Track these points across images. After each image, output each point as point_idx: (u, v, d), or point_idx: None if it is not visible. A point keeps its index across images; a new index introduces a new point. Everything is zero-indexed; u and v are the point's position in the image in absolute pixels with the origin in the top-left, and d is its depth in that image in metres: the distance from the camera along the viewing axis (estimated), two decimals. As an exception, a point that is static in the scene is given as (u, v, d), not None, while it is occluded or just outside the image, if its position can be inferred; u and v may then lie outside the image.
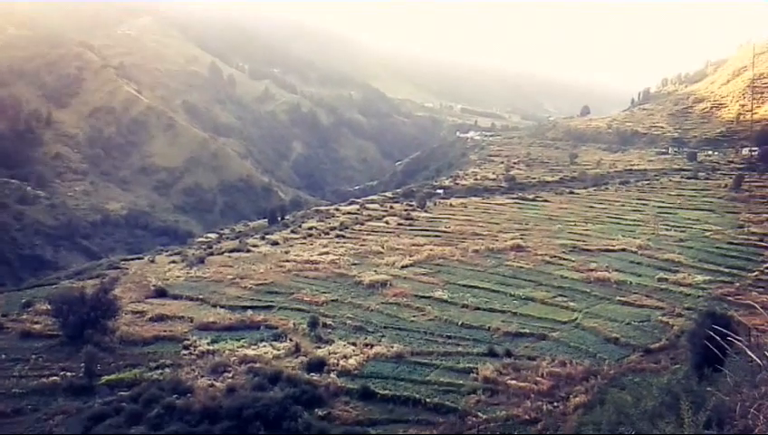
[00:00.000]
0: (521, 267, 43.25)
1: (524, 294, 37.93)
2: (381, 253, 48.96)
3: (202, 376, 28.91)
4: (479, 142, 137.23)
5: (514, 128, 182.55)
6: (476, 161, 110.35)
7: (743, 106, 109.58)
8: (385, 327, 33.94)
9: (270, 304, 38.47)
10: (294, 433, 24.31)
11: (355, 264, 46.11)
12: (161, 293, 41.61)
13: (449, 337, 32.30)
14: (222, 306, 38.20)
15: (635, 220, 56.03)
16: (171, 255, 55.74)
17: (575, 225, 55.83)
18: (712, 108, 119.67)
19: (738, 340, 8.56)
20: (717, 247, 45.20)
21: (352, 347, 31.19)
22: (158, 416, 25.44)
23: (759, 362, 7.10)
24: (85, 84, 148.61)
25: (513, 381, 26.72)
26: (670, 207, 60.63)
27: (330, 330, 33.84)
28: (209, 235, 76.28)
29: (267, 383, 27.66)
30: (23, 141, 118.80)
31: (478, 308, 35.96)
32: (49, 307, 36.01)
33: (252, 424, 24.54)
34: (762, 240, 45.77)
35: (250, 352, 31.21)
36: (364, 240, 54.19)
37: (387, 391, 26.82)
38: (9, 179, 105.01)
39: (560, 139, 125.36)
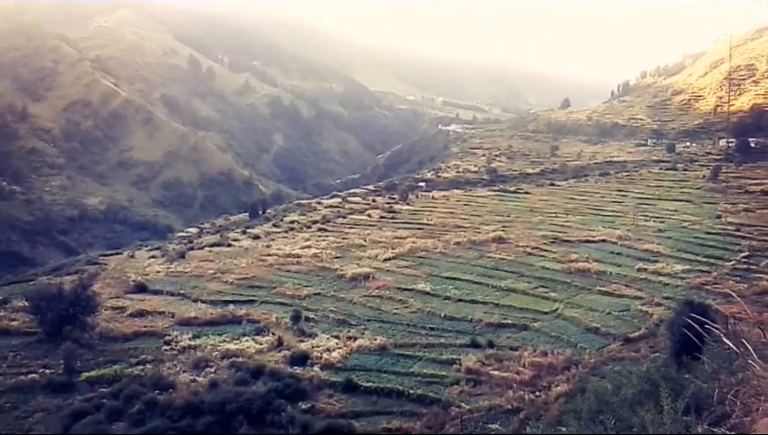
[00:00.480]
0: (502, 259, 43.50)
1: (506, 285, 38.15)
2: (364, 246, 48.94)
3: (184, 371, 28.66)
4: (461, 135, 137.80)
5: (496, 120, 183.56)
6: (458, 154, 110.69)
7: (720, 98, 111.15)
8: (368, 320, 33.94)
9: (252, 298, 38.25)
10: (278, 427, 24.23)
11: (337, 257, 46.03)
12: (141, 288, 41.17)
13: (432, 329, 32.39)
14: (203, 301, 37.88)
15: (615, 211, 56.62)
16: (151, 250, 55.20)
17: (556, 216, 56.27)
18: (690, 100, 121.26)
19: (716, 328, 8.67)
20: (695, 237, 45.83)
21: (335, 340, 31.16)
22: (139, 412, 25.18)
23: (736, 349, 7.18)
24: (61, 78, 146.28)
25: (496, 372, 26.88)
26: (649, 199, 61.34)
27: (312, 323, 33.75)
28: (189, 229, 75.67)
29: (250, 378, 27.52)
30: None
31: (461, 300, 36.10)
32: (26, 304, 35.38)
33: (235, 419, 24.40)
34: (738, 230, 46.46)
35: (232, 346, 31.01)
36: (346, 233, 54.13)
37: (370, 384, 26.83)
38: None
39: (541, 131, 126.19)
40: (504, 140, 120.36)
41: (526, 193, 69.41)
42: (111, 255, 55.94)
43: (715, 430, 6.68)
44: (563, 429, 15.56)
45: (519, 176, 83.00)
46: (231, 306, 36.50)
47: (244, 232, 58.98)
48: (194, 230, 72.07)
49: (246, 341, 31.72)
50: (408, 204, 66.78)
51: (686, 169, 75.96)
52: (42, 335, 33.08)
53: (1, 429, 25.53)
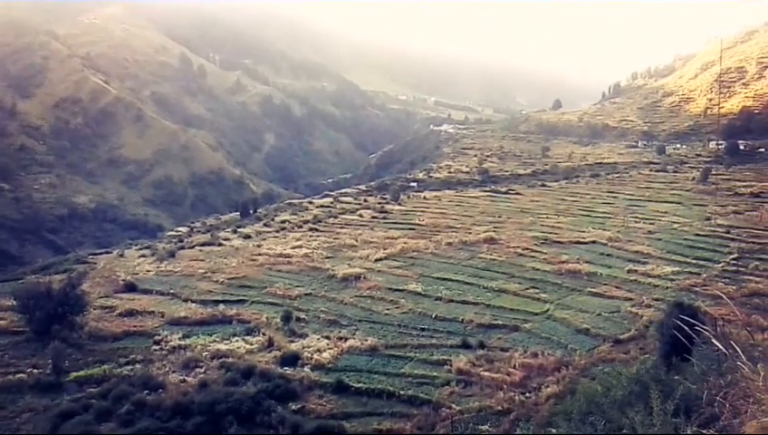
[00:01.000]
0: (494, 260, 43.59)
1: (497, 286, 38.22)
2: (355, 246, 48.90)
3: (173, 372, 28.54)
4: (453, 135, 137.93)
5: (487, 121, 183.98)
6: (450, 154, 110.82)
7: (710, 100, 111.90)
8: (359, 320, 33.91)
9: (242, 298, 38.13)
10: (268, 427, 24.17)
11: (329, 257, 45.97)
12: (131, 287, 40.94)
13: (423, 329, 32.41)
14: (193, 301, 37.72)
15: (605, 213, 56.89)
16: (141, 249, 54.88)
17: (547, 217, 56.45)
18: (680, 102, 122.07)
19: (705, 330, 8.72)
20: (685, 239, 46.11)
21: (326, 341, 31.11)
22: (128, 412, 25.04)
23: (725, 351, 7.23)
24: (51, 74, 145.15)
25: (487, 373, 26.93)
26: (639, 200, 61.66)
27: (303, 324, 33.68)
28: (180, 228, 75.18)
29: (240, 378, 27.44)
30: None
31: (452, 300, 36.15)
32: (14, 303, 35.02)
33: (224, 419, 24.32)
34: (728, 232, 46.77)
35: (222, 346, 30.90)
36: (338, 233, 54.06)
37: (361, 385, 26.81)
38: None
39: (532, 132, 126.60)
40: (495, 140, 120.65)
41: (517, 194, 69.62)
42: (101, 253, 55.59)
43: (704, 431, 6.72)
44: (553, 430, 15.60)
45: (510, 176, 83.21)
46: (221, 306, 36.36)
47: (234, 231, 58.76)
48: (184, 229, 71.63)
49: (237, 341, 31.62)
50: (399, 204, 66.80)
51: (675, 171, 76.42)
52: (30, 335, 32.83)
53: (-12, 429, 25.33)
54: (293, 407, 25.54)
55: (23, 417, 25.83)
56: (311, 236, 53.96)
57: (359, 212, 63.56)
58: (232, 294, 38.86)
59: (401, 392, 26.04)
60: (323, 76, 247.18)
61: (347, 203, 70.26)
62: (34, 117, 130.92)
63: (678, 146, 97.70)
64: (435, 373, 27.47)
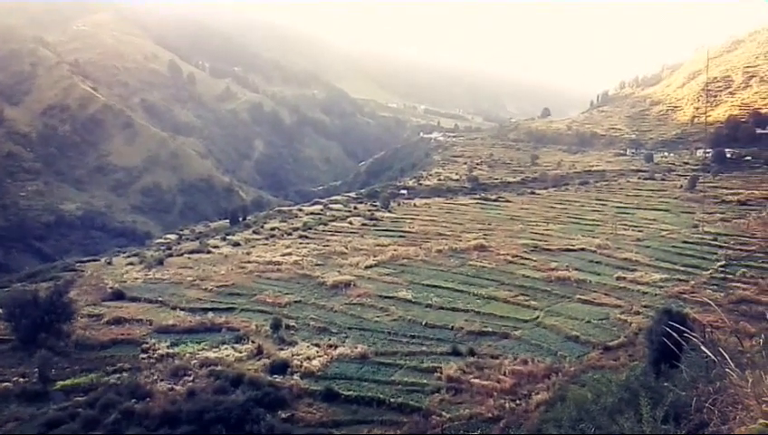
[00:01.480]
0: (484, 267, 43.65)
1: (487, 293, 38.28)
2: (345, 253, 48.81)
3: (161, 380, 28.30)
4: (442, 143, 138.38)
5: (477, 129, 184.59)
6: (440, 162, 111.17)
7: (697, 109, 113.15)
8: (349, 328, 33.81)
9: (231, 305, 37.93)
10: (257, 436, 23.99)
11: (318, 264, 45.84)
12: (119, 295, 40.63)
13: (413, 337, 32.37)
14: (182, 309, 37.49)
15: (594, 220, 57.18)
16: (129, 256, 54.54)
17: (536, 225, 56.66)
18: (668, 110, 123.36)
19: (694, 336, 8.75)
20: (673, 246, 46.41)
21: (316, 348, 30.98)
22: (115, 421, 24.77)
23: (713, 357, 7.25)
24: (39, 81, 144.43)
25: (477, 380, 26.92)
26: (628, 208, 62.06)
27: (293, 331, 33.54)
28: (168, 236, 74.83)
29: (229, 386, 27.25)
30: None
31: (442, 308, 36.15)
32: (0, 311, 34.73)
33: (213, 428, 24.10)
34: (715, 239, 47.15)
35: (211, 354, 30.68)
36: (328, 241, 53.96)
37: (351, 392, 26.70)
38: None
39: (521, 140, 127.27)
40: (485, 148, 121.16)
41: (507, 201, 69.86)
42: (88, 261, 55.15)
43: (694, 437, 6.74)
44: (544, 437, 15.60)
45: (500, 184, 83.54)
46: (210, 314, 36.15)
47: (223, 239, 58.52)
48: (173, 237, 71.29)
49: (225, 349, 31.43)
50: (389, 211, 66.79)
51: (663, 179, 77.03)
52: (16, 343, 32.55)
53: (-28, 439, 24.98)
54: (283, 415, 25.39)
55: (8, 426, 25.49)
56: (300, 243, 53.81)
57: (349, 219, 63.51)
58: (221, 302, 38.64)
59: (391, 400, 25.95)
60: (313, 84, 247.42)
61: (337, 210, 70.20)
62: (22, 124, 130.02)
63: (666, 154, 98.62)
64: (425, 381, 27.42)
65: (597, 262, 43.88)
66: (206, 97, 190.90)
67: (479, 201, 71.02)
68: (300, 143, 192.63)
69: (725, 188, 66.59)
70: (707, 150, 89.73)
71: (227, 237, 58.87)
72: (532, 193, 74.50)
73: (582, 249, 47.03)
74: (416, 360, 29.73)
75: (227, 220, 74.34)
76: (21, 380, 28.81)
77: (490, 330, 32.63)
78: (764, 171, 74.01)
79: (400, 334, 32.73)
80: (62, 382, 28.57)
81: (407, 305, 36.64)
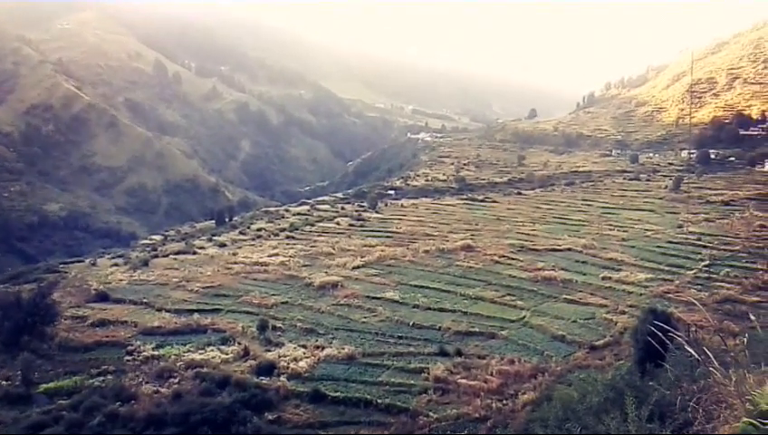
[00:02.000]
0: (471, 267, 43.75)
1: (474, 293, 38.36)
2: (332, 254, 48.71)
3: (147, 382, 28.07)
4: (430, 143, 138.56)
5: (464, 129, 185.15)
6: (427, 162, 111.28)
7: (682, 110, 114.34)
8: (336, 329, 33.74)
9: (217, 307, 37.69)
10: (243, 438, 23.86)
11: (305, 265, 45.70)
12: (103, 297, 40.20)
13: (400, 337, 32.37)
14: (167, 310, 37.17)
15: (580, 220, 57.50)
16: (113, 257, 54.03)
17: (523, 225, 56.88)
18: (653, 112, 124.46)
19: (678, 336, 8.82)
20: (658, 247, 46.78)
21: (303, 349, 30.88)
22: (100, 424, 24.55)
23: (697, 357, 7.32)
24: (22, 80, 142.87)
25: (464, 380, 26.96)
26: (613, 208, 62.47)
27: (279, 333, 33.41)
28: (154, 236, 74.19)
29: (215, 388, 27.10)
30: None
31: (429, 308, 36.17)
32: (-18, 313, 34.25)
33: (199, 430, 23.97)
34: (699, 239, 47.59)
35: (197, 356, 30.47)
36: (315, 241, 53.81)
37: (338, 393, 26.65)
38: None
39: (508, 140, 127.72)
40: (472, 149, 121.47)
41: (494, 202, 70.08)
42: (72, 262, 54.55)
43: (679, 436, 6.79)
44: (530, 437, 15.66)
45: (487, 185, 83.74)
46: (196, 315, 35.90)
47: (209, 239, 58.14)
48: (158, 237, 70.70)
49: (211, 350, 31.22)
50: (377, 212, 66.75)
51: (649, 180, 77.65)
52: (-2, 346, 32.08)
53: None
54: (269, 417, 25.30)
55: (-10, 430, 25.19)
56: (287, 244, 53.62)
57: (336, 220, 63.37)
58: (207, 303, 38.39)
59: (379, 401, 25.94)
60: (300, 84, 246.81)
61: (324, 211, 70.02)
62: (4, 123, 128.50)
63: (651, 155, 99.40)
64: (412, 381, 27.43)
65: (583, 262, 44.13)
66: (191, 96, 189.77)
67: (466, 202, 71.18)
68: (286, 143, 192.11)
69: (709, 188, 67.25)
70: (692, 151, 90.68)
71: (213, 238, 58.51)
72: (519, 193, 74.80)
73: (568, 249, 47.28)
74: (403, 360, 29.72)
75: (213, 221, 73.87)
76: (4, 383, 28.50)
77: (477, 330, 32.71)
78: (748, 172, 74.89)
79: (388, 335, 32.71)
80: (45, 385, 28.27)
81: (394, 306, 36.62)
